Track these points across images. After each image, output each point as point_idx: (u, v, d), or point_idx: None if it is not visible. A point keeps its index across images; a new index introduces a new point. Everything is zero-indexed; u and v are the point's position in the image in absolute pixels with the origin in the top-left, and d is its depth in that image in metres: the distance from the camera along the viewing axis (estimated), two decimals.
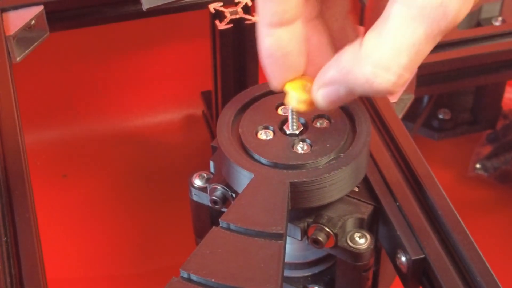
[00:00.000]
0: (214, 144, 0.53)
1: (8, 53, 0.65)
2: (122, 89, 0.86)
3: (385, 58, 0.39)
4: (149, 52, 0.86)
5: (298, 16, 0.43)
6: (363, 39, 0.40)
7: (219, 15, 0.61)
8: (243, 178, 0.46)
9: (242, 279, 0.39)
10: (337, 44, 0.46)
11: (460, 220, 0.50)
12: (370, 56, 0.39)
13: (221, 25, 0.61)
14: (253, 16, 0.61)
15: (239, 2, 0.62)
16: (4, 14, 0.68)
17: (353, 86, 0.41)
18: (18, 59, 0.67)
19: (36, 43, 0.68)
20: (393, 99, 0.62)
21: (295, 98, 0.45)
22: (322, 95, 0.43)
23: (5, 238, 0.50)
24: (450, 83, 0.71)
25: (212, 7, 0.62)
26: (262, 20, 0.42)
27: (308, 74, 0.46)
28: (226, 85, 0.65)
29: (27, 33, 0.68)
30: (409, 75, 0.40)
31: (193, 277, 0.39)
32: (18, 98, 0.62)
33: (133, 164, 0.81)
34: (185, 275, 0.39)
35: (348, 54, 0.41)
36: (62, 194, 0.78)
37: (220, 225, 0.42)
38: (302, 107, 0.45)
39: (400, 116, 0.64)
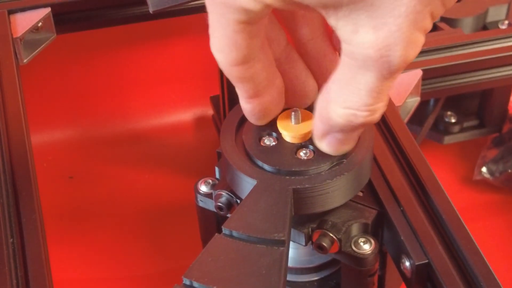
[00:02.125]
0: (219, 150, 0.53)
1: (15, 55, 0.65)
2: (130, 91, 0.86)
3: (350, 101, 0.41)
4: (158, 54, 0.86)
5: (271, 83, 0.45)
6: (328, 85, 0.42)
7: None
8: (246, 184, 0.46)
9: (245, 286, 0.39)
10: (317, 65, 0.48)
11: (464, 224, 0.50)
12: (337, 101, 0.41)
13: None
14: None
15: None
16: (11, 16, 0.68)
17: (341, 128, 0.43)
18: (25, 60, 0.67)
19: (43, 45, 0.69)
20: (398, 103, 0.62)
21: (288, 137, 0.48)
22: (326, 145, 0.46)
23: (12, 239, 0.50)
24: (456, 86, 0.71)
25: None
26: (240, 95, 0.46)
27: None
28: (233, 90, 0.65)
29: (34, 35, 0.68)
30: (383, 105, 0.41)
31: (196, 284, 0.39)
32: (25, 100, 0.62)
33: (141, 166, 0.81)
34: (188, 283, 0.39)
35: (322, 102, 0.43)
36: (69, 196, 0.78)
37: (223, 232, 0.42)
38: (297, 140, 0.48)
39: (406, 119, 0.63)
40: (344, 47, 0.39)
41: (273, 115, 0.48)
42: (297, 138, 0.48)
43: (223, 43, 0.41)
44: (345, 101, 0.41)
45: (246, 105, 0.47)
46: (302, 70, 0.48)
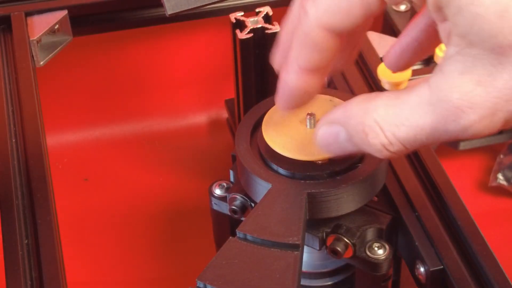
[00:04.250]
0: (234, 153, 0.53)
1: (32, 57, 0.66)
2: (145, 94, 0.86)
3: (386, 121, 0.39)
4: (174, 57, 0.86)
5: (328, 66, 0.42)
6: (381, 94, 0.40)
7: (239, 24, 0.62)
8: (260, 188, 0.46)
9: None
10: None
11: (480, 231, 0.50)
12: (376, 111, 0.39)
13: (242, 35, 0.61)
14: (273, 25, 0.61)
15: (260, 12, 0.62)
16: (28, 18, 0.68)
17: (351, 132, 0.41)
18: (41, 63, 0.67)
19: (59, 47, 0.69)
20: None
21: None
22: (321, 133, 0.43)
23: (26, 241, 0.51)
24: None
25: (232, 16, 0.62)
26: (295, 60, 0.42)
27: None
28: (248, 94, 0.65)
29: (50, 37, 0.69)
30: (399, 150, 0.39)
31: (209, 287, 0.39)
32: (41, 102, 0.62)
33: (155, 169, 0.81)
34: (201, 285, 0.40)
35: (359, 100, 0.41)
36: (83, 198, 0.78)
37: (237, 235, 0.42)
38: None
39: None
40: (435, 79, 0.37)
41: (298, 104, 0.45)
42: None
43: (339, 4, 0.38)
44: (383, 119, 0.39)
45: (294, 77, 0.42)
46: None
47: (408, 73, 0.63)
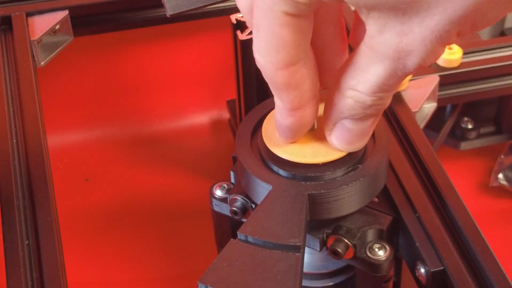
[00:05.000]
0: (235, 154, 0.53)
1: (33, 57, 0.66)
2: (146, 94, 0.86)
3: (360, 86, 0.41)
4: (175, 57, 0.86)
5: (315, 91, 0.43)
6: (341, 70, 0.42)
7: (240, 25, 0.62)
8: (261, 189, 0.46)
9: None
10: (323, 57, 0.46)
11: (480, 231, 0.50)
12: (347, 83, 0.41)
13: (242, 36, 0.61)
14: None
15: None
16: (29, 19, 0.68)
17: (349, 112, 0.43)
18: (42, 63, 0.67)
19: (60, 48, 0.69)
20: (414, 108, 0.62)
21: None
22: (335, 137, 0.45)
23: (27, 241, 0.51)
24: (473, 92, 0.71)
25: (233, 17, 0.62)
26: (282, 107, 0.43)
27: None
28: (249, 94, 0.65)
29: (51, 38, 0.69)
30: (390, 95, 0.42)
31: None
32: (41, 102, 0.62)
33: (156, 169, 0.81)
34: None
35: (333, 87, 0.43)
36: (84, 198, 0.78)
37: (238, 237, 0.42)
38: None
39: (422, 125, 0.63)
40: (367, 39, 0.39)
41: (306, 131, 0.46)
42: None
43: (268, 42, 0.39)
44: (354, 85, 0.41)
45: (287, 119, 0.44)
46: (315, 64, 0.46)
47: None
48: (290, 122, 0.44)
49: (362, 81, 0.40)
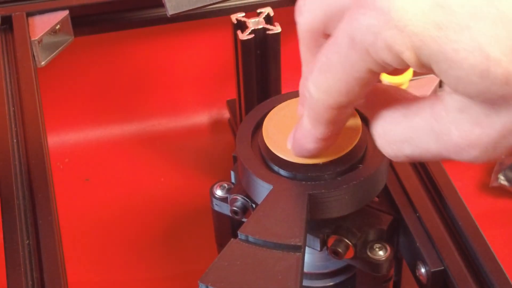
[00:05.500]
0: (235, 154, 0.53)
1: (33, 57, 0.66)
2: (146, 94, 0.86)
3: (391, 136, 0.39)
4: (175, 57, 0.86)
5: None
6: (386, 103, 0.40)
7: (241, 25, 0.62)
8: (262, 189, 0.46)
9: None
10: None
11: (481, 231, 0.50)
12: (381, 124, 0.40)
13: (243, 35, 0.61)
14: (275, 26, 0.61)
15: (261, 13, 0.62)
16: (30, 19, 0.68)
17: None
18: (42, 63, 0.67)
19: (61, 48, 0.69)
20: None
21: None
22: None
23: (28, 241, 0.51)
24: None
25: (234, 17, 0.62)
26: (312, 134, 0.43)
27: None
28: (249, 94, 0.65)
29: (52, 38, 0.69)
30: (405, 160, 0.40)
31: None
32: (42, 102, 0.62)
33: (156, 169, 0.81)
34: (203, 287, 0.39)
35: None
36: (85, 198, 0.78)
37: (239, 237, 0.42)
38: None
39: None
40: (439, 104, 0.37)
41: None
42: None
43: (334, 84, 0.38)
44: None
45: (311, 144, 0.44)
46: None
47: (409, 73, 0.63)
48: (313, 147, 0.44)
49: (408, 143, 0.38)
